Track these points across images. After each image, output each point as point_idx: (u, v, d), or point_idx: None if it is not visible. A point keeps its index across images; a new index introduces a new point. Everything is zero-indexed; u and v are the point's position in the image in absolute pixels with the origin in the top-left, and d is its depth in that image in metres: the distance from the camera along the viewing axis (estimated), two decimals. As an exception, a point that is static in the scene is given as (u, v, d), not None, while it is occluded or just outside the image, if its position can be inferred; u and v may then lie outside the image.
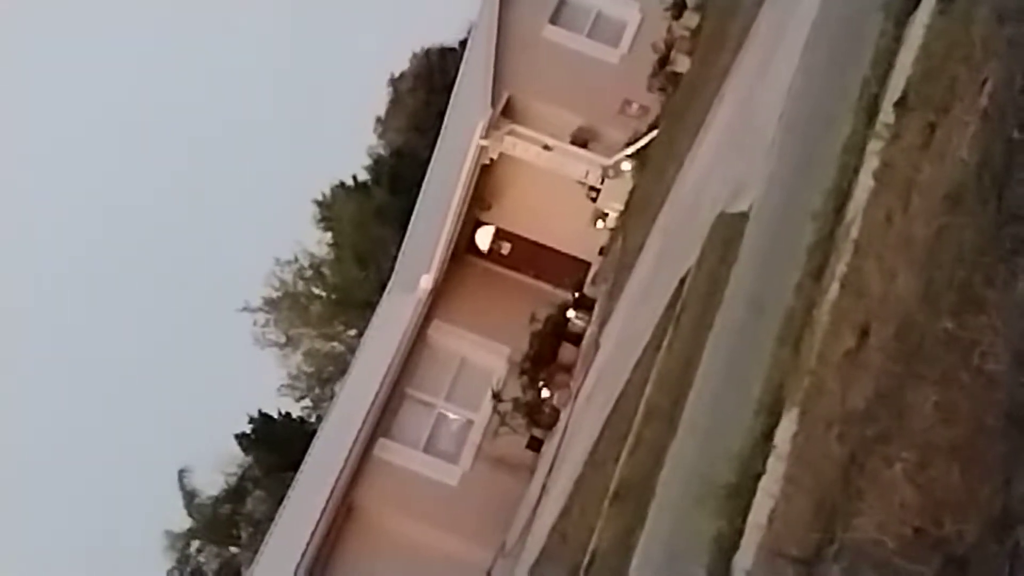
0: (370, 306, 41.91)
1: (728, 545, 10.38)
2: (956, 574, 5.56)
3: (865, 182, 10.94)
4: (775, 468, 10.06)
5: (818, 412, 9.40)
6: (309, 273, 53.96)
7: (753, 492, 10.36)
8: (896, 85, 11.09)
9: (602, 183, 36.06)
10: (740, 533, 10.27)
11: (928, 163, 9.08)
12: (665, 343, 19.66)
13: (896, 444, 7.10)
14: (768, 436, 10.55)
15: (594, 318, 34.79)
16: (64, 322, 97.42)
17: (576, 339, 35.69)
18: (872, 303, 9.13)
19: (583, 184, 36.56)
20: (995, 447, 5.79)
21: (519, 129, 36.34)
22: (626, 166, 35.06)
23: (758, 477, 10.39)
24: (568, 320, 36.13)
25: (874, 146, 11.03)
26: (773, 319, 12.18)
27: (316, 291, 53.79)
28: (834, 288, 10.49)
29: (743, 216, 17.18)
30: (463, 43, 43.27)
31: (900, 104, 10.72)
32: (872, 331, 8.77)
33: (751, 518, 10.17)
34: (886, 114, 11.04)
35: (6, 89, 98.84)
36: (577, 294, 37.03)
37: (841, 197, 11.50)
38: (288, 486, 36.62)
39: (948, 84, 9.25)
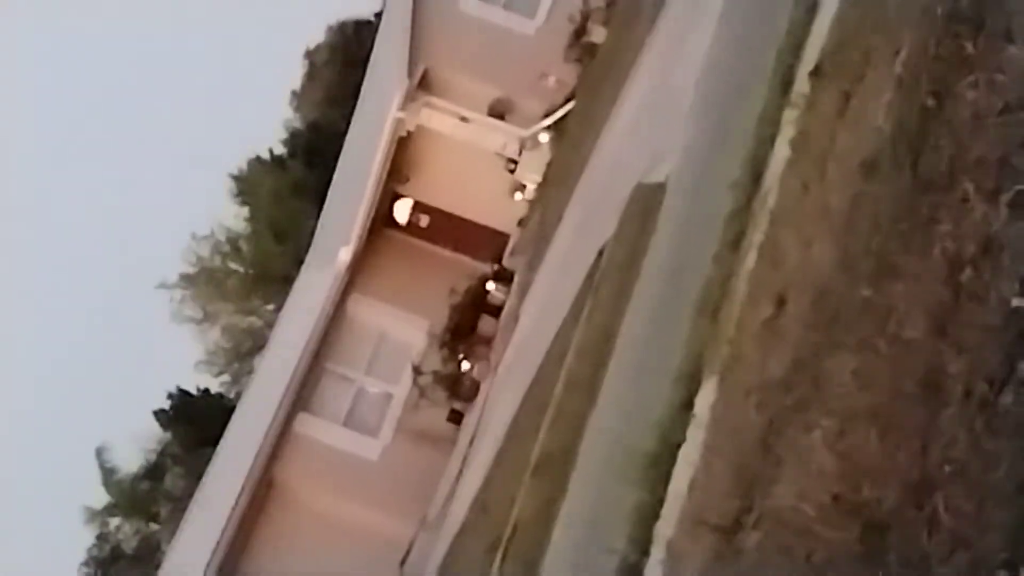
0: (288, 281, 41.71)
1: (649, 514, 10.41)
2: (875, 540, 5.59)
3: (781, 151, 10.98)
4: (695, 437, 10.10)
5: (737, 380, 9.44)
6: (226, 248, 53.55)
7: (673, 461, 10.40)
8: (811, 54, 11.13)
9: (520, 155, 36.03)
10: (661, 502, 10.31)
11: (843, 131, 9.12)
12: (584, 314, 19.70)
13: (814, 411, 7.14)
14: (688, 405, 10.59)
15: (513, 290, 34.82)
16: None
17: (496, 311, 35.72)
18: (789, 272, 9.17)
19: (501, 156, 36.51)
20: (913, 414, 5.83)
21: (436, 101, 36.23)
22: (543, 138, 35.06)
23: (678, 446, 10.43)
24: (487, 292, 36.16)
25: (789, 115, 11.07)
26: (691, 289, 12.22)
27: (233, 266, 53.41)
28: (751, 257, 10.53)
29: (661, 186, 17.23)
30: (379, 15, 43.01)
31: (815, 73, 10.76)
32: (789, 299, 8.82)
33: (672, 487, 10.21)
34: (801, 83, 11.08)
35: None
36: (496, 266, 37.06)
37: (758, 166, 11.53)
38: (207, 462, 36.43)
39: (862, 53, 9.28)
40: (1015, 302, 5.13)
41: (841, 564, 5.97)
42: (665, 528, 9.96)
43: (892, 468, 5.79)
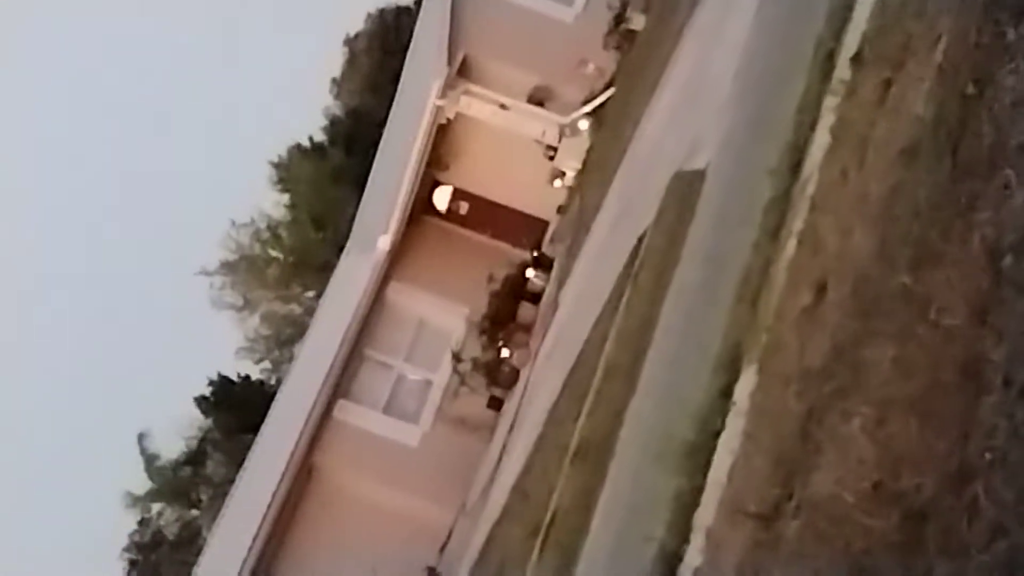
0: (328, 268, 41.85)
1: (688, 502, 10.41)
2: (914, 528, 5.59)
3: (821, 139, 10.95)
4: (734, 425, 10.09)
5: (776, 369, 9.43)
6: (266, 235, 53.73)
7: (712, 449, 10.39)
8: (851, 41, 11.08)
9: (559, 142, 36.05)
10: (700, 490, 10.31)
11: (883, 119, 9.08)
12: (624, 301, 19.69)
13: (854, 400, 7.13)
14: (727, 393, 10.58)
15: (553, 277, 34.84)
16: (23, 289, 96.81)
17: (535, 298, 35.75)
18: (828, 259, 9.15)
19: (540, 143, 36.54)
20: (952, 402, 5.82)
21: (475, 89, 36.28)
22: (583, 125, 35.06)
23: (717, 434, 10.42)
24: (527, 279, 36.19)
25: (830, 102, 11.03)
26: (730, 276, 12.20)
27: (273, 253, 53.59)
28: (791, 245, 10.51)
29: (700, 174, 17.19)
30: (418, 2, 43.05)
31: (855, 60, 10.72)
32: (829, 287, 8.80)
33: (711, 475, 10.21)
34: (841, 70, 11.04)
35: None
36: (535, 253, 37.08)
37: (797, 154, 11.50)
38: (248, 449, 36.60)
39: (903, 40, 9.25)
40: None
41: (880, 552, 5.97)
42: (704, 516, 9.96)
43: (931, 456, 5.78)
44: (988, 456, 5.21)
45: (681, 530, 10.32)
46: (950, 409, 5.81)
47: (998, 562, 4.76)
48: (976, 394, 5.57)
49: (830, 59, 11.62)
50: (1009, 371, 5.36)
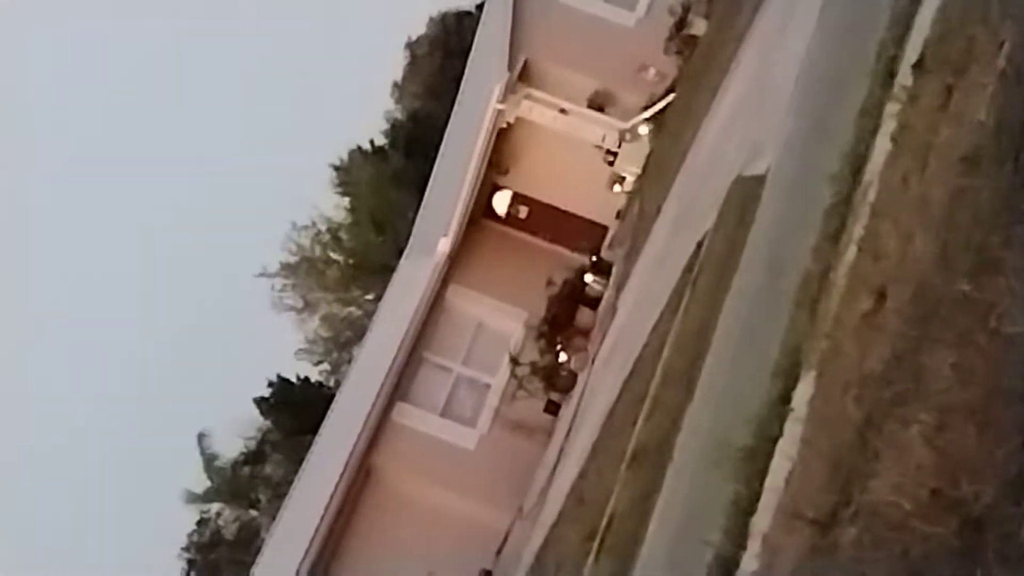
0: (388, 271, 41.99)
1: (745, 508, 10.40)
2: (972, 535, 5.57)
3: (882, 145, 10.91)
4: (792, 431, 10.07)
5: (835, 374, 9.40)
6: (326, 238, 53.96)
7: (770, 455, 10.37)
8: (914, 47, 11.05)
9: (619, 147, 36.03)
10: (757, 496, 10.28)
11: (945, 125, 9.05)
12: (682, 306, 19.67)
13: (913, 406, 7.11)
14: (785, 399, 10.55)
15: (611, 282, 34.81)
16: (87, 290, 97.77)
17: (593, 303, 35.73)
18: (889, 265, 9.12)
19: (600, 148, 36.54)
20: (1012, 409, 5.80)
21: (536, 93, 36.31)
22: (643, 130, 35.02)
23: (775, 440, 10.40)
24: (585, 284, 36.18)
25: (891, 108, 10.99)
26: (790, 282, 12.18)
27: (333, 256, 53.81)
28: (851, 251, 10.48)
29: (760, 179, 17.16)
30: (480, 7, 43.18)
31: (918, 66, 10.68)
32: (889, 294, 8.77)
33: (768, 481, 10.19)
34: (903, 76, 10.99)
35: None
36: (594, 258, 37.06)
37: (858, 160, 11.47)
38: (307, 450, 36.78)
39: (965, 46, 9.21)
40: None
41: (938, 559, 5.95)
42: (761, 522, 9.94)
43: (990, 464, 5.76)
44: (1047, 463, 5.19)
45: (738, 536, 10.30)
46: (1010, 416, 5.80)
47: (1057, 570, 4.74)
48: (1037, 402, 5.55)
49: (892, 65, 11.58)
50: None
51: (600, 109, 36.41)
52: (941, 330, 7.25)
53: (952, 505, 5.97)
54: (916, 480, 6.61)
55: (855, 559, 7.18)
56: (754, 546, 9.89)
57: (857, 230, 10.56)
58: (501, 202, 40.14)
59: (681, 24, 35.42)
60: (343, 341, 55.21)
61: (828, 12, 17.10)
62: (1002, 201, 7.08)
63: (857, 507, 7.45)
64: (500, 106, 35.41)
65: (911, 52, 11.08)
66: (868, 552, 7.01)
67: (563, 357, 34.62)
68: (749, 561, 9.84)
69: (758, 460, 10.55)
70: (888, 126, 10.95)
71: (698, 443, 14.49)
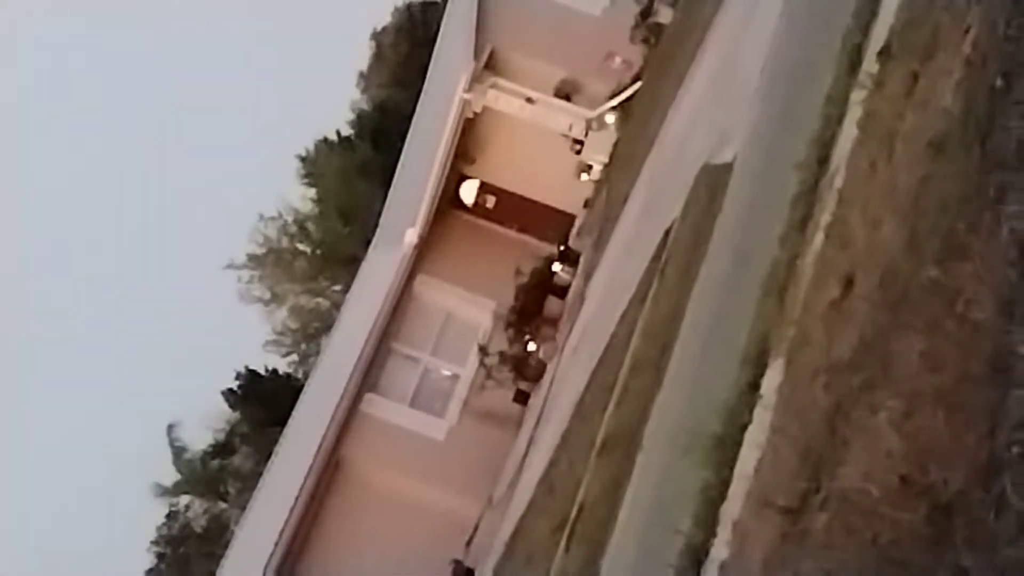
0: (355, 261, 41.90)
1: (715, 495, 10.41)
2: (942, 521, 5.58)
3: (849, 132, 10.93)
4: (761, 418, 10.08)
5: (804, 362, 9.42)
6: (293, 229, 53.82)
7: (740, 443, 10.38)
8: (879, 34, 11.06)
9: (586, 136, 36.04)
10: (727, 484, 10.30)
11: (912, 112, 9.06)
12: (651, 295, 19.68)
13: (881, 392, 7.11)
14: (754, 386, 10.57)
15: (579, 271, 34.84)
16: (51, 283, 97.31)
17: (562, 292, 35.76)
18: (856, 253, 9.13)
19: (567, 137, 36.54)
20: (980, 395, 5.80)
21: (502, 82, 36.30)
22: (610, 118, 35.04)
23: (744, 427, 10.41)
24: (554, 273, 36.19)
25: (857, 95, 11.01)
26: (758, 270, 12.19)
27: (301, 247, 53.68)
28: (818, 238, 10.49)
29: (727, 167, 17.18)
30: (445, -4, 43.10)
31: (883, 53, 10.69)
32: (857, 280, 8.78)
33: (738, 468, 10.20)
34: (869, 63, 11.01)
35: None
36: (562, 247, 37.07)
37: (825, 147, 11.49)
38: (275, 442, 36.69)
39: (931, 32, 9.22)
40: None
41: (908, 545, 5.96)
42: (731, 509, 9.95)
43: (959, 449, 5.77)
44: (1016, 450, 5.20)
45: (708, 523, 10.32)
46: (978, 402, 5.80)
47: (1027, 556, 4.75)
48: (1005, 387, 5.56)
49: (858, 53, 11.60)
50: (1038, 364, 5.35)
51: (567, 98, 36.43)
52: (909, 316, 7.26)
53: (921, 491, 5.98)
54: (885, 467, 6.61)
55: (825, 546, 7.18)
56: (724, 533, 9.90)
57: (824, 217, 10.57)
58: (468, 192, 40.11)
59: (647, 12, 35.44)
60: (311, 332, 55.10)
61: (794, 1, 17.12)
62: (969, 187, 7.08)
63: (827, 494, 7.46)
64: (467, 96, 35.41)
65: (877, 39, 11.09)
66: (838, 538, 7.02)
67: (532, 346, 34.64)
68: (719, 548, 9.85)
69: (727, 448, 10.57)
70: (854, 113, 10.97)
71: (667, 431, 14.51)
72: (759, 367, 10.68)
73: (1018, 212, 6.24)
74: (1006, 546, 4.91)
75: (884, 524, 6.34)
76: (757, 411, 10.29)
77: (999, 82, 7.19)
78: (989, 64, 7.51)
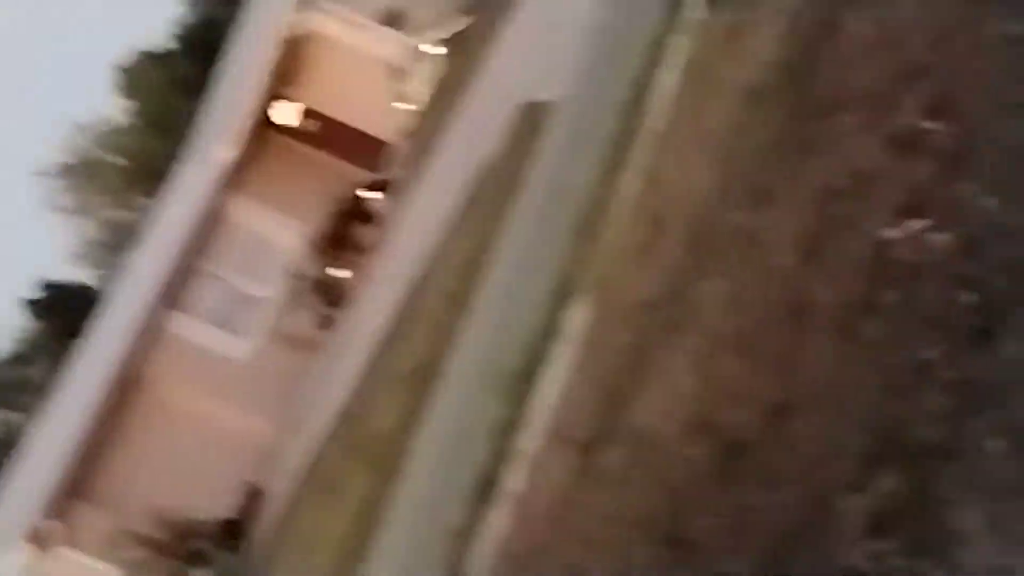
0: (168, 177, 41.28)
1: (512, 429, 10.47)
2: (731, 460, 5.67)
3: (669, 76, 11.00)
4: (563, 354, 10.14)
5: (608, 300, 9.50)
6: (108, 140, 52.93)
7: (539, 377, 10.44)
8: (707, -19, 11.14)
9: (410, 65, 35.82)
10: (523, 417, 10.36)
11: (732, 59, 9.16)
12: (464, 228, 19.70)
13: (683, 333, 7.21)
14: (557, 323, 10.63)
15: (394, 200, 34.72)
16: None
17: (374, 220, 35.63)
18: (667, 196, 9.22)
19: (391, 66, 36.27)
20: (777, 340, 5.91)
21: (329, 5, 35.84)
22: (436, 50, 34.87)
23: (545, 363, 10.47)
24: (367, 201, 36.03)
25: (680, 40, 11.08)
26: (570, 208, 12.24)
27: (114, 159, 52.80)
28: (632, 180, 10.56)
29: (547, 105, 17.21)
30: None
31: (709, 1, 10.78)
32: (666, 223, 8.87)
33: (536, 403, 10.26)
34: (694, 8, 11.08)
35: None
36: (378, 175, 36.90)
37: (645, 90, 11.55)
38: (73, 354, 36.09)
39: (757, -17, 9.32)
40: (883, 233, 5.19)
41: (697, 483, 6.05)
42: (527, 443, 10.02)
43: (753, 391, 5.87)
44: (806, 392, 5.30)
45: (503, 456, 10.38)
46: (775, 346, 5.90)
47: (807, 495, 4.85)
48: (801, 332, 5.65)
49: (684, -2, 11.67)
50: (834, 311, 5.44)
51: (394, 26, 36.15)
52: (714, 260, 7.36)
53: (712, 430, 6.07)
54: (680, 405, 6.71)
55: (618, 480, 7.27)
56: (519, 466, 9.96)
57: (639, 159, 10.65)
58: (288, 114, 39.56)
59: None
60: (118, 246, 54.27)
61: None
62: (780, 135, 7.19)
63: (622, 430, 7.54)
64: (292, 16, 34.92)
65: (705, -15, 11.18)
66: (630, 473, 7.11)
67: (342, 273, 34.51)
68: (512, 480, 9.91)
69: (527, 382, 10.62)
70: (677, 58, 11.04)
71: (470, 365, 14.57)
72: (564, 305, 10.74)
73: (825, 162, 6.34)
74: (790, 485, 5.01)
75: (676, 461, 6.43)
76: (559, 348, 10.36)
77: (819, 32, 7.30)
78: (810, 15, 7.62)
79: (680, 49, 11.08)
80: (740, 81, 8.61)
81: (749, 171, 7.45)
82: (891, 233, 5.15)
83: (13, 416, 51.39)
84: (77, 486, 31.50)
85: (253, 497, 31.10)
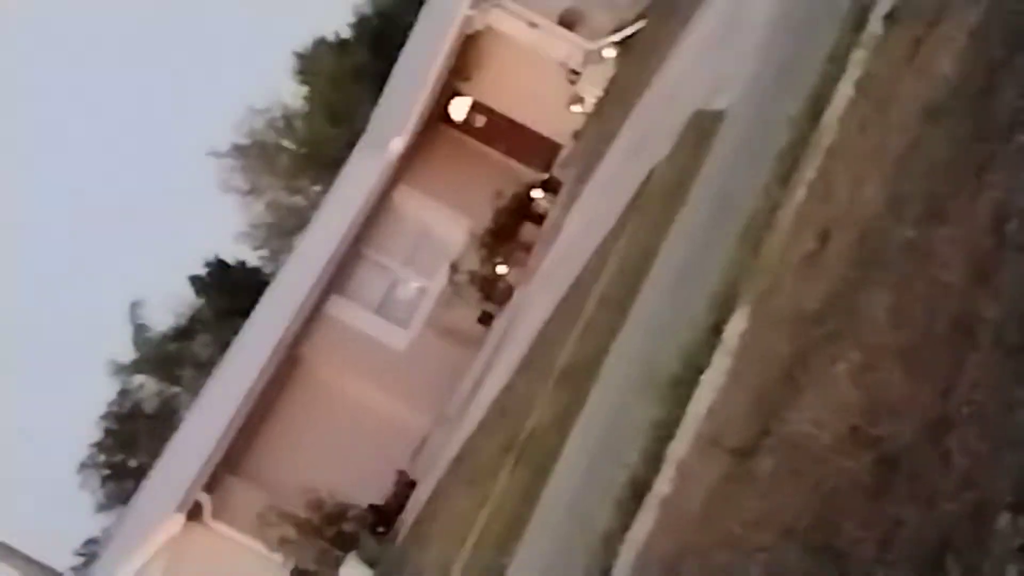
0: (339, 164, 41.86)
1: (665, 433, 10.50)
2: (886, 472, 5.66)
3: (845, 91, 10.97)
4: (720, 362, 10.16)
5: (770, 310, 9.50)
6: (281, 124, 53.71)
7: (696, 383, 10.46)
8: (888, -2, 11.08)
9: (584, 67, 35.90)
10: (677, 423, 10.38)
11: (910, 76, 9.10)
12: (627, 232, 19.72)
13: (843, 344, 7.19)
14: (717, 330, 10.64)
15: (560, 200, 34.80)
16: (38, 151, 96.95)
17: (539, 219, 35.72)
18: (837, 208, 9.19)
19: (564, 66, 36.37)
20: (940, 355, 5.88)
21: (507, 3, 36.03)
22: (609, 53, 34.90)
23: (702, 370, 10.49)
24: (533, 199, 36.13)
25: (858, 56, 11.04)
26: (737, 217, 12.24)
27: (286, 143, 53.58)
28: (801, 192, 10.55)
29: (720, 115, 17.19)
30: (461, -89, 42.75)
31: (890, 17, 10.72)
32: (833, 235, 8.84)
33: (691, 408, 10.29)
34: (874, 25, 11.03)
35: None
36: (546, 175, 37.01)
37: (819, 104, 11.52)
38: (236, 333, 36.71)
39: (939, 1, 9.25)
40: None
41: (849, 493, 6.05)
42: (679, 448, 10.05)
43: (912, 405, 5.84)
44: (966, 410, 5.27)
45: (654, 459, 10.41)
46: (937, 362, 5.87)
47: (964, 513, 4.83)
48: (965, 349, 5.63)
49: (864, 14, 11.60)
50: (1000, 331, 5.41)
51: (570, 27, 36.23)
52: (881, 273, 7.33)
53: (870, 442, 6.06)
54: (837, 415, 6.70)
55: (769, 488, 7.27)
56: (669, 470, 9.99)
57: (809, 172, 10.63)
58: (460, 109, 39.87)
59: (659, -49, 35.25)
60: (286, 229, 55.08)
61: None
62: (957, 154, 7.14)
63: (776, 438, 7.54)
64: (470, 12, 35.17)
65: (884, 2, 11.11)
66: (782, 481, 7.11)
67: (503, 269, 34.65)
68: (662, 484, 9.95)
69: (683, 388, 10.65)
70: (853, 73, 11.00)
71: (626, 367, 14.60)
72: (725, 312, 10.75)
73: (1000, 182, 6.30)
74: (946, 501, 5.00)
75: (828, 471, 6.42)
76: (717, 355, 10.37)
77: (1000, 53, 7.24)
78: (992, 35, 7.55)
79: (857, 64, 11.03)
80: (918, 97, 8.56)
81: (922, 188, 7.41)
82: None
83: (171, 389, 52.41)
84: (232, 462, 32.04)
85: (403, 485, 31.34)
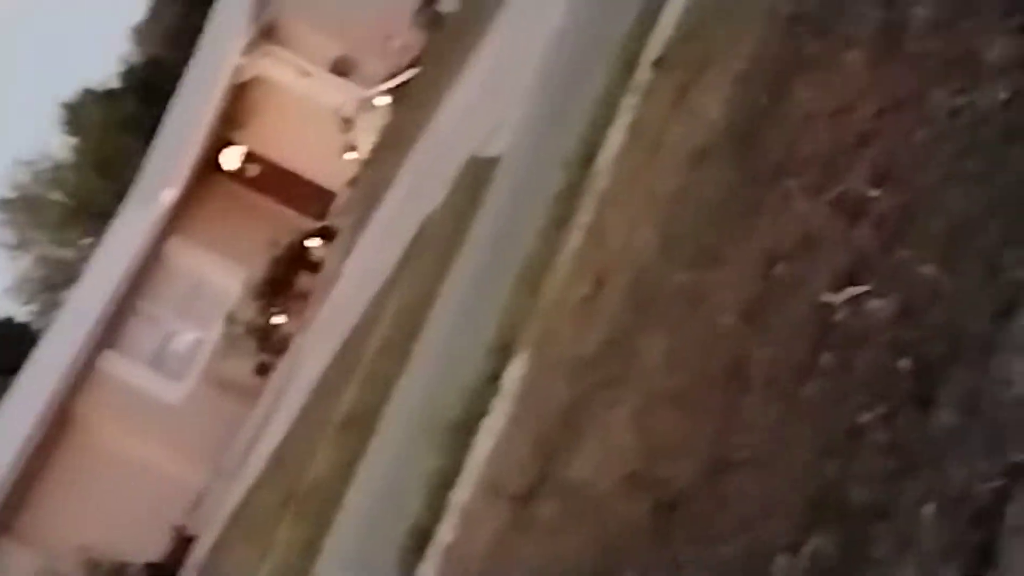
0: (109, 216, 41.08)
1: (446, 481, 10.44)
2: (664, 516, 5.69)
3: (616, 135, 11.09)
4: (500, 408, 10.15)
5: (548, 355, 9.52)
6: (49, 176, 52.64)
7: (476, 431, 10.44)
8: (656, 44, 11.24)
9: (357, 115, 35.88)
10: (458, 470, 10.34)
11: (678, 121, 9.24)
12: (405, 279, 19.70)
13: (620, 389, 7.23)
14: (496, 376, 10.64)
15: (336, 249, 34.70)
16: None
17: (315, 268, 35.58)
18: (611, 253, 9.27)
19: (338, 114, 36.31)
20: (715, 397, 5.94)
21: (279, 51, 35.88)
22: (382, 100, 34.95)
23: (482, 416, 10.47)
24: (309, 248, 35.98)
25: (628, 101, 11.18)
26: (513, 263, 12.27)
27: (55, 196, 52.50)
28: (576, 236, 10.62)
29: (493, 161, 17.28)
30: (228, -42, 42.48)
31: (657, 63, 10.88)
32: (608, 280, 8.91)
33: (471, 456, 10.25)
34: (643, 71, 11.19)
35: None
36: (321, 223, 36.89)
37: (591, 148, 11.63)
38: (4, 391, 35.74)
39: (706, 46, 9.42)
40: (824, 297, 5.25)
41: (630, 538, 6.06)
42: (461, 495, 10.00)
43: (688, 448, 5.89)
44: (743, 452, 5.32)
45: (436, 508, 10.34)
46: (712, 404, 5.93)
47: (740, 554, 4.87)
48: (738, 392, 5.69)
49: (634, 59, 11.76)
50: (772, 372, 5.48)
51: (343, 75, 36.20)
52: (655, 318, 7.40)
53: (647, 486, 6.09)
54: (616, 461, 6.73)
55: (550, 534, 7.27)
56: (452, 518, 9.94)
57: (584, 217, 10.70)
58: (233, 158, 39.49)
59: (431, -1, 35.44)
60: (55, 284, 53.87)
61: (578, 2, 17.27)
62: (724, 198, 7.26)
63: (556, 484, 7.55)
64: (241, 60, 34.91)
65: (653, 48, 11.27)
66: (564, 528, 7.11)
67: (280, 319, 34.41)
68: (446, 532, 9.89)
69: (463, 435, 10.61)
70: (624, 118, 11.13)
71: (406, 415, 14.55)
72: (504, 358, 10.75)
73: (769, 225, 6.40)
74: (722, 544, 5.03)
75: (609, 516, 6.44)
76: (497, 401, 10.36)
77: (764, 99, 7.38)
78: (757, 80, 7.70)
79: (627, 109, 11.17)
80: (686, 142, 8.68)
81: (693, 232, 7.51)
82: (832, 297, 5.20)
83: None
84: (5, 523, 31.19)
85: (181, 542, 30.84)
